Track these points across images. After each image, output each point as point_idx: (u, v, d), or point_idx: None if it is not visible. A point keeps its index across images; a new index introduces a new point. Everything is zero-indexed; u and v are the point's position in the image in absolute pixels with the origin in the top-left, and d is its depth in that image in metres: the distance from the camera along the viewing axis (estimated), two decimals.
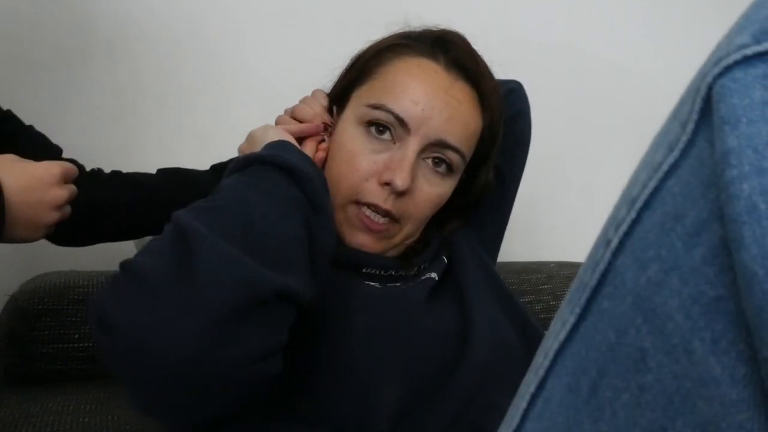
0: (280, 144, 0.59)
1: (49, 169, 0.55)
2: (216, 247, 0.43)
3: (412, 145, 0.64)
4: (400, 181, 0.63)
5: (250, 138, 0.67)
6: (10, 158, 0.54)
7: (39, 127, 0.74)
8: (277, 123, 0.72)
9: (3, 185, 0.50)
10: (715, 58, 0.27)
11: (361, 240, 0.66)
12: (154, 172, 0.79)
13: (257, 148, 0.63)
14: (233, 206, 0.49)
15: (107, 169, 0.77)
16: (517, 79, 0.87)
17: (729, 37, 0.27)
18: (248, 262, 0.44)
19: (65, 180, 0.58)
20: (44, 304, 0.80)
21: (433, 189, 0.67)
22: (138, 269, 0.43)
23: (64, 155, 0.78)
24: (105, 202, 0.71)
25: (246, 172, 0.53)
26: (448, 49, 0.68)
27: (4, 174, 0.51)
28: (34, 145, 0.70)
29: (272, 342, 0.45)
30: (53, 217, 0.56)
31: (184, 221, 0.45)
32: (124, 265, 0.44)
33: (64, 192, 0.57)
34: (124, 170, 0.77)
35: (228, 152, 0.75)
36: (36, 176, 0.54)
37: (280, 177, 0.52)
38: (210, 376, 0.41)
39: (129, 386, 0.44)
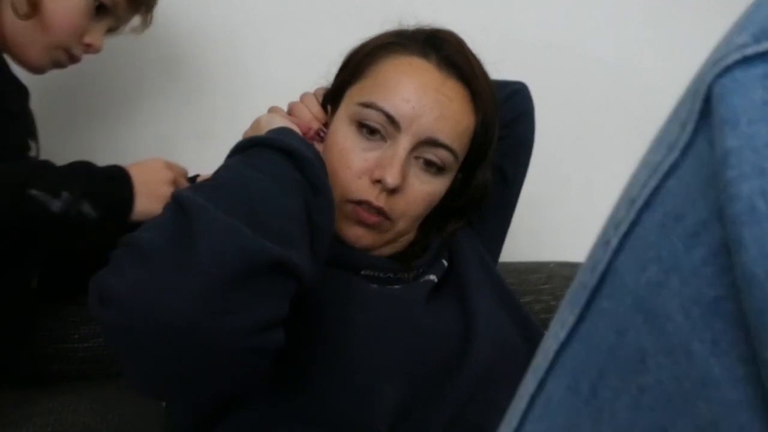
0: (282, 130, 0.59)
1: (156, 161, 0.72)
2: (215, 217, 0.44)
3: (403, 143, 0.64)
4: (391, 178, 0.63)
5: (255, 124, 0.67)
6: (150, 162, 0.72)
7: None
8: (268, 111, 0.73)
9: (130, 173, 0.68)
10: (714, 58, 0.27)
11: (355, 233, 0.66)
12: None
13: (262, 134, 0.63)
14: (233, 183, 0.50)
15: None
16: (519, 80, 0.87)
17: (728, 37, 0.27)
18: (248, 232, 0.44)
19: (169, 166, 0.73)
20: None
21: (425, 187, 0.67)
22: (137, 242, 0.43)
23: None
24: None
25: (247, 153, 0.54)
26: (440, 48, 0.68)
27: (131, 168, 0.69)
28: None
29: (271, 313, 0.44)
30: (167, 189, 0.69)
31: (183, 197, 0.46)
32: (123, 241, 0.45)
33: (170, 172, 0.71)
34: None
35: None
36: (148, 164, 0.71)
37: (280, 159, 0.53)
38: (209, 344, 0.41)
39: (128, 360, 0.44)
